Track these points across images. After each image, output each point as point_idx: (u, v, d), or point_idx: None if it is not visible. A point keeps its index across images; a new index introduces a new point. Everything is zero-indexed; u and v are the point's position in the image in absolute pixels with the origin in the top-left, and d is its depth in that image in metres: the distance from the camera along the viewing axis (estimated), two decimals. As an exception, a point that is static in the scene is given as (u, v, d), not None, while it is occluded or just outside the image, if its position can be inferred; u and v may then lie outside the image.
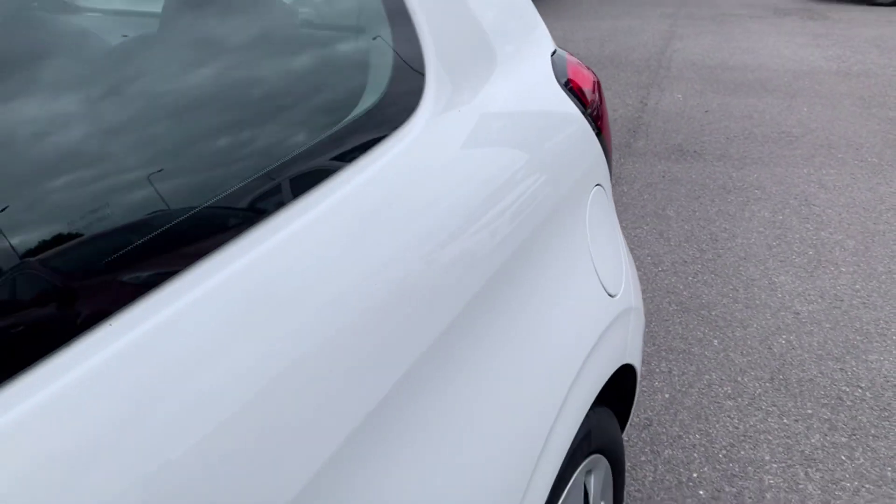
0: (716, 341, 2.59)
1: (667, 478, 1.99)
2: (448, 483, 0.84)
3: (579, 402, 1.13)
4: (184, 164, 0.64)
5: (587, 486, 1.34)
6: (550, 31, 1.63)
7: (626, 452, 2.08)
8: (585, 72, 1.24)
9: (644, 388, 2.36)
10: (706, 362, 2.48)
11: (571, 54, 1.31)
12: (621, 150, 4.52)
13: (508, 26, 1.11)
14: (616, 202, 3.79)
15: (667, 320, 2.73)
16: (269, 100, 0.78)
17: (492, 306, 0.95)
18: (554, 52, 1.19)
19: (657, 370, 2.44)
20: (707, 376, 2.40)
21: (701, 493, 1.94)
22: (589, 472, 1.32)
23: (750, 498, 1.92)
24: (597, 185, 1.17)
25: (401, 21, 0.87)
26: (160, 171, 0.62)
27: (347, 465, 0.70)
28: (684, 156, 4.38)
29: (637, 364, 1.33)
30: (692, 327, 2.68)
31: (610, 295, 1.15)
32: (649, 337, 2.62)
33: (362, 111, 0.87)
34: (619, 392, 1.41)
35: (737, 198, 3.78)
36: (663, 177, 4.08)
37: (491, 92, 1.03)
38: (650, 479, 1.99)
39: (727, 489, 1.95)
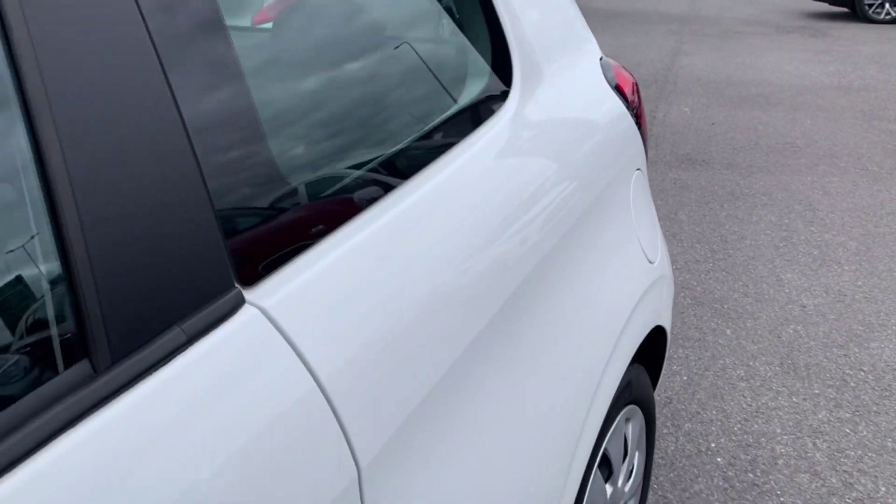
0: (728, 331, 2.79)
1: (687, 447, 2.19)
2: (520, 427, 1.03)
3: (624, 353, 1.34)
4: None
5: (626, 433, 1.54)
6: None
7: (649, 426, 2.28)
8: (626, 75, 1.45)
9: (663, 371, 2.55)
10: (720, 349, 2.68)
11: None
12: (633, 159, 4.74)
13: (563, 35, 1.33)
14: (630, 207, 4.00)
15: (682, 313, 2.93)
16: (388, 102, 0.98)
17: (555, 267, 1.15)
18: (601, 59, 1.41)
19: (675, 356, 2.64)
20: (721, 361, 2.60)
21: (718, 460, 2.14)
22: (628, 421, 1.52)
23: (763, 464, 2.11)
24: (637, 169, 1.38)
25: (498, 33, 1.08)
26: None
27: (439, 406, 0.85)
28: (693, 165, 4.60)
29: (668, 327, 1.53)
30: (706, 319, 2.88)
31: (650, 262, 1.36)
32: (666, 327, 2.82)
33: (454, 111, 1.08)
34: (651, 354, 1.62)
35: (744, 203, 3.99)
36: (674, 184, 4.29)
37: (551, 93, 1.24)
38: (672, 448, 2.19)
39: (742, 457, 2.14)
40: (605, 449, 1.40)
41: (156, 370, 0.54)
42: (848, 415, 2.32)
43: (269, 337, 0.61)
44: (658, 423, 2.30)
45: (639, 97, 1.47)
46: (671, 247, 3.51)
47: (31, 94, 0.50)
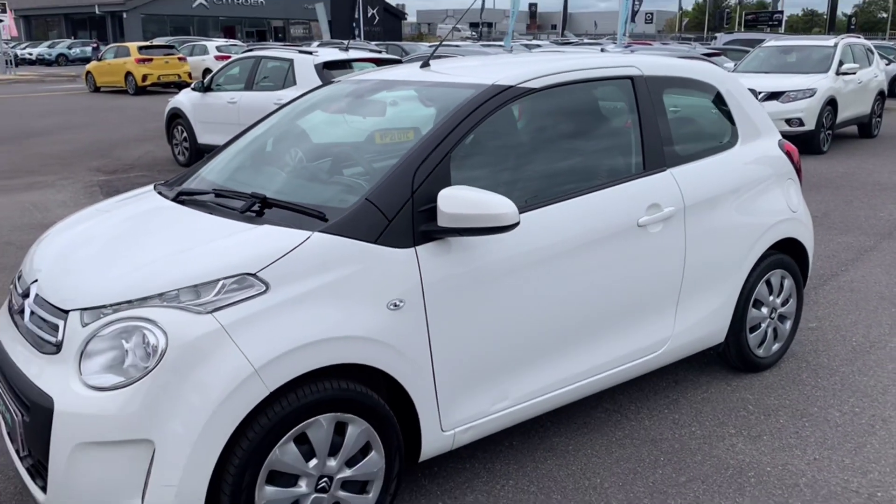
0: (894, 310, 4.86)
1: (835, 337, 4.39)
2: (714, 262, 3.56)
3: (769, 237, 3.74)
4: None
5: (783, 283, 3.93)
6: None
7: (838, 333, 4.49)
8: (793, 148, 3.94)
9: (848, 316, 4.73)
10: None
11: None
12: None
13: (762, 124, 3.88)
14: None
15: (874, 309, 5.03)
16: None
17: (746, 194, 3.67)
18: (779, 140, 3.91)
19: (851, 312, 4.79)
20: (880, 319, 4.71)
21: (856, 338, 4.32)
22: (784, 278, 3.92)
23: (879, 345, 4.26)
24: (789, 179, 3.85)
25: (731, 116, 3.70)
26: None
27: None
28: (927, 241, 6.44)
29: (803, 242, 3.91)
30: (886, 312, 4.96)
31: (792, 210, 3.81)
32: (862, 295, 4.95)
33: (715, 145, 3.69)
34: (801, 262, 4.01)
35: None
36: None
37: (754, 145, 3.79)
38: (829, 335, 4.41)
39: (871, 335, 4.30)
40: (768, 280, 3.83)
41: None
42: (939, 340, 4.33)
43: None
44: (823, 329, 4.52)
45: (798, 158, 3.96)
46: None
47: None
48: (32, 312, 2.53)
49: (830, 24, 45.09)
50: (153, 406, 2.17)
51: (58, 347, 2.33)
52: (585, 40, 36.83)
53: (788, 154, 3.95)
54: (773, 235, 3.77)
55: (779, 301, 3.93)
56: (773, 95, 11.34)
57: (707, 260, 3.48)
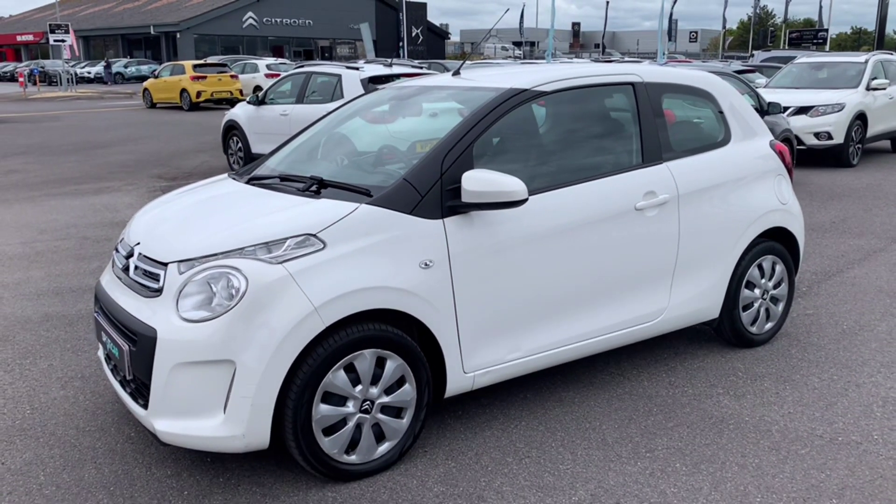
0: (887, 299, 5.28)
1: (814, 317, 4.84)
2: (706, 245, 4.06)
3: (758, 226, 4.22)
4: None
5: (775, 268, 4.40)
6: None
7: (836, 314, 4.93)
8: (784, 147, 4.41)
9: (844, 305, 5.16)
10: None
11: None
12: None
13: (753, 125, 4.37)
14: (870, 257, 6.44)
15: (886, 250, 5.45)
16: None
17: (739, 185, 4.17)
18: (770, 140, 4.39)
19: (857, 306, 5.22)
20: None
21: (848, 320, 4.76)
22: (774, 264, 4.40)
23: (870, 320, 4.69)
24: (779, 175, 4.33)
25: (724, 119, 4.20)
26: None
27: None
28: (935, 243, 6.80)
29: (793, 231, 4.37)
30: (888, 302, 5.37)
31: (781, 202, 4.28)
32: (861, 289, 5.37)
33: (709, 143, 4.19)
34: (792, 251, 4.47)
35: (953, 261, 6.20)
36: None
37: (745, 144, 4.28)
38: (818, 303, 4.85)
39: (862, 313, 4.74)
40: (760, 264, 4.31)
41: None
42: (924, 325, 4.75)
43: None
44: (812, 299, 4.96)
45: (789, 157, 4.44)
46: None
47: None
48: (136, 267, 3.16)
49: (879, 42, 44.64)
50: (235, 334, 2.77)
51: (159, 292, 2.96)
52: (626, 59, 37.17)
53: (780, 153, 4.44)
54: (763, 224, 4.25)
55: (770, 284, 4.40)
56: (803, 110, 11.70)
57: (699, 242, 3.98)
